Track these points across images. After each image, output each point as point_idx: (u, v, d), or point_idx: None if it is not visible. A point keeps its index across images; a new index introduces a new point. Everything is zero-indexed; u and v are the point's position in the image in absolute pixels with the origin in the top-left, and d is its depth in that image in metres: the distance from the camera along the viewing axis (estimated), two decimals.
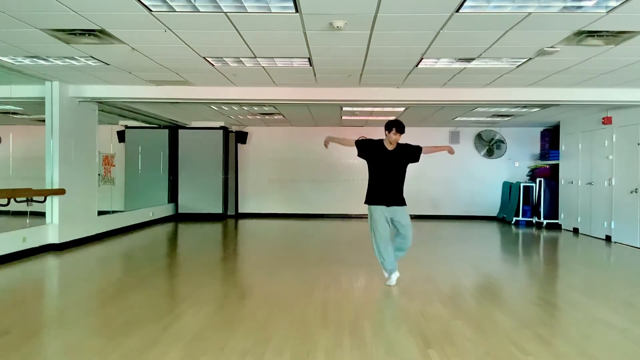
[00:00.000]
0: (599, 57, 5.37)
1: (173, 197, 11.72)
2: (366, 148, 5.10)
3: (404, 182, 5.09)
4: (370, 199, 5.07)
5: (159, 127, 11.39)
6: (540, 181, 11.08)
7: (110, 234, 8.62)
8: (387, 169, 5.00)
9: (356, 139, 5.28)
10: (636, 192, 7.89)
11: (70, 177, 7.32)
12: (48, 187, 7.07)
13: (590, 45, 4.86)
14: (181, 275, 5.99)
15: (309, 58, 5.58)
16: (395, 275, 5.10)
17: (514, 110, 9.29)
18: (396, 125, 4.90)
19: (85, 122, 7.82)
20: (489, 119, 10.56)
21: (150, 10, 4.03)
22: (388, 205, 4.99)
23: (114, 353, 3.19)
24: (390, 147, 5.02)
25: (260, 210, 12.49)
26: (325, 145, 5.30)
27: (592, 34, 4.52)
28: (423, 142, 12.63)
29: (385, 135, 5.01)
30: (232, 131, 12.21)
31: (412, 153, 5.10)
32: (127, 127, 11.27)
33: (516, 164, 12.24)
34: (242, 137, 12.34)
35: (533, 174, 11.48)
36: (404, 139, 5.06)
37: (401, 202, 5.03)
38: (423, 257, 7.17)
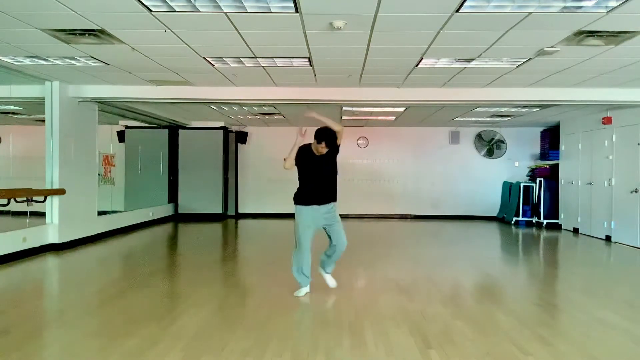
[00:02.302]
0: (599, 57, 5.36)
1: (173, 197, 11.72)
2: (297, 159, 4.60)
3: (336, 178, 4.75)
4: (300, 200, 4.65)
5: (159, 127, 11.38)
6: (540, 181, 11.08)
7: (110, 234, 8.61)
8: (318, 172, 4.63)
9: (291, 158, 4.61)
10: (636, 192, 7.89)
11: (70, 177, 7.31)
12: (48, 187, 7.07)
13: (590, 45, 4.86)
14: (181, 275, 6.00)
15: (309, 58, 5.58)
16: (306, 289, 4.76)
17: (514, 110, 9.28)
18: (325, 138, 4.44)
19: (85, 122, 7.81)
20: (489, 119, 10.56)
21: (150, 10, 4.03)
22: (320, 204, 4.62)
23: (114, 353, 3.19)
24: (317, 153, 4.60)
25: (260, 210, 12.49)
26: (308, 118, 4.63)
27: (592, 34, 4.51)
28: (423, 142, 12.63)
29: (314, 143, 4.57)
30: (232, 131, 12.21)
31: (332, 147, 4.57)
32: (127, 127, 11.26)
33: (516, 164, 12.24)
34: (242, 137, 12.34)
35: (533, 174, 11.48)
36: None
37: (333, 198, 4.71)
38: (423, 257, 7.18)
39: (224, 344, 3.35)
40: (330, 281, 4.94)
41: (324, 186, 4.66)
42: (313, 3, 3.85)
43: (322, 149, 4.51)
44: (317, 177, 4.64)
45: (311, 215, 4.60)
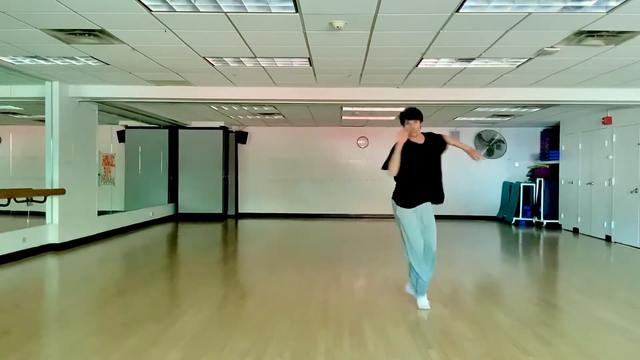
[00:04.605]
0: (599, 57, 5.36)
1: (173, 197, 11.72)
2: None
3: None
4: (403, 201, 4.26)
5: (159, 127, 11.38)
6: (540, 181, 11.08)
7: (110, 234, 8.61)
8: (420, 164, 4.23)
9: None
10: (636, 192, 7.89)
11: (70, 177, 7.31)
12: (48, 187, 7.07)
13: (590, 45, 4.86)
14: (181, 275, 5.99)
15: (309, 58, 5.58)
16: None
17: (514, 110, 9.28)
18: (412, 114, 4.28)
19: (85, 122, 7.81)
20: (489, 119, 10.56)
21: (150, 10, 4.03)
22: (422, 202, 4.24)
23: (114, 353, 3.19)
24: (417, 140, 4.31)
25: (260, 210, 12.49)
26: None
27: (592, 34, 4.52)
28: None
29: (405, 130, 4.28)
30: (232, 131, 12.21)
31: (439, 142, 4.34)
32: (127, 127, 11.27)
33: (516, 164, 12.23)
34: (242, 137, 12.34)
35: (533, 174, 11.48)
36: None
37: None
38: None
39: (224, 344, 3.35)
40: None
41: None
42: (313, 3, 3.85)
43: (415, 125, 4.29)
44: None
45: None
